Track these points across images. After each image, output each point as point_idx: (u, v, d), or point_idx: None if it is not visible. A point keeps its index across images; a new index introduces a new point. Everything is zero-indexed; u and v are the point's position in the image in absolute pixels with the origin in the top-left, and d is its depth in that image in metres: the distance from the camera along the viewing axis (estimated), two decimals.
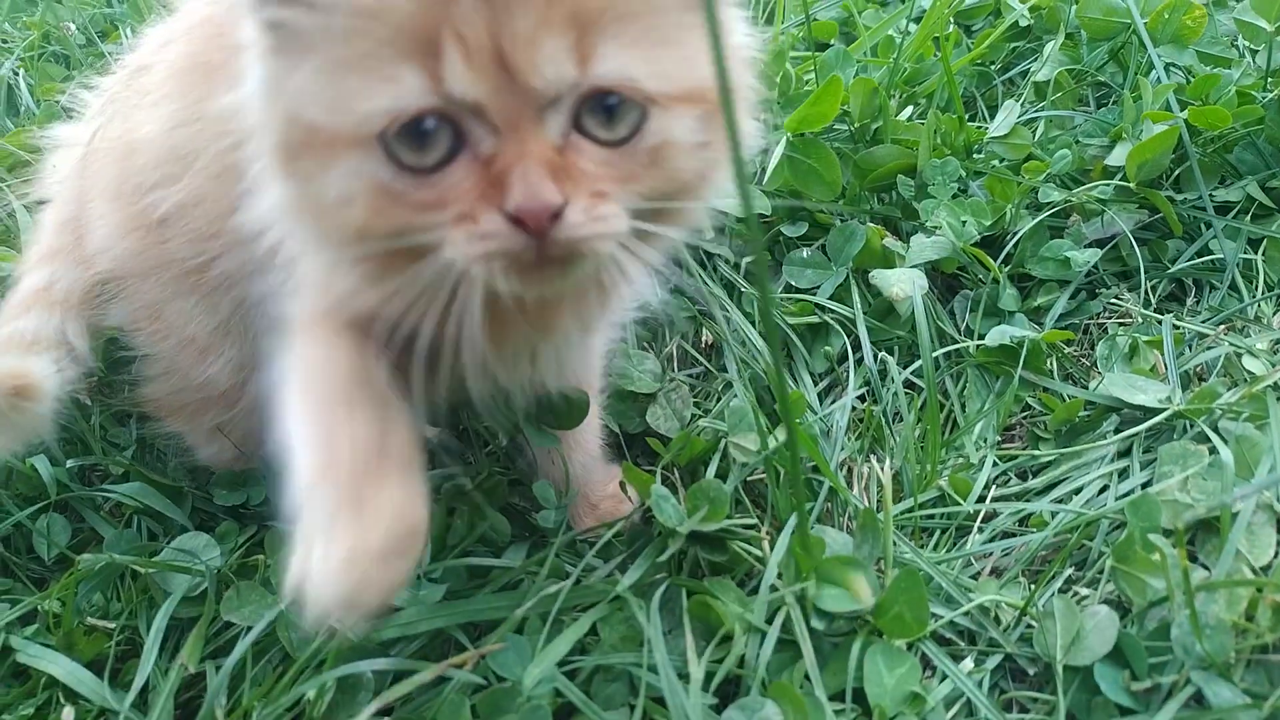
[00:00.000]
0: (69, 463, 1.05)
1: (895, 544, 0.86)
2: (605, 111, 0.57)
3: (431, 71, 0.54)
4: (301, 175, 0.60)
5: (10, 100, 1.80)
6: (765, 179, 1.16)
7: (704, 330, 1.12)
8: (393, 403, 0.68)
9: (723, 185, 0.67)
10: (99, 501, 1.04)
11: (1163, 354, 1.02)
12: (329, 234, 0.62)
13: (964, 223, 1.12)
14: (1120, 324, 1.10)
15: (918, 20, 1.44)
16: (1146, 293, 1.14)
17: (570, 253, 0.57)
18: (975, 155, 1.25)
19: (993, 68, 1.44)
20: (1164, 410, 0.93)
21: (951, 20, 1.44)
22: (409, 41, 0.54)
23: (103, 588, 0.96)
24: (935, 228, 1.12)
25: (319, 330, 0.71)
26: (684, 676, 0.77)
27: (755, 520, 0.92)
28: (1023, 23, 1.41)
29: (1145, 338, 1.04)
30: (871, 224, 1.14)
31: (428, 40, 0.54)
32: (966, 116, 1.31)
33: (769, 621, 0.81)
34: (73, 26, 1.81)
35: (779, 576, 0.84)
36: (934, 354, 1.04)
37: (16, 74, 1.84)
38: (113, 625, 0.91)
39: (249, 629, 0.84)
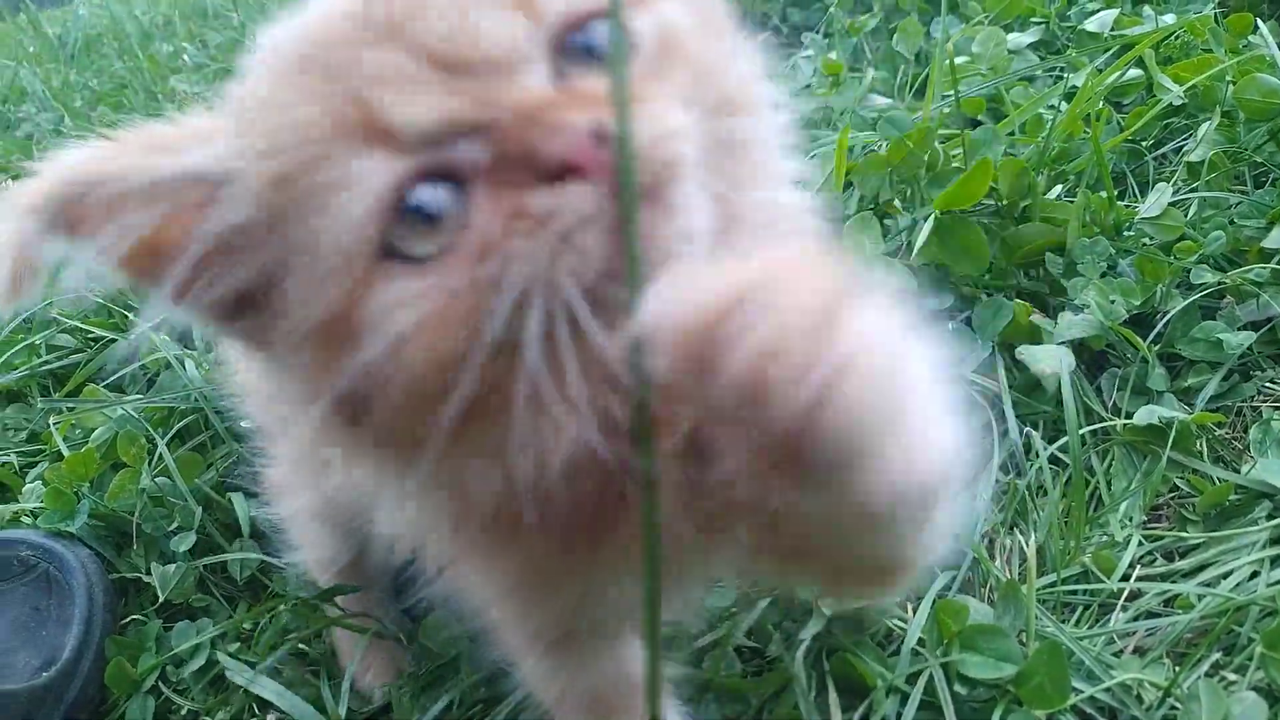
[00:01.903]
0: None
1: (1037, 617, 0.88)
2: (586, 51, 0.49)
3: (378, 136, 0.46)
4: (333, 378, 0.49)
5: None
6: (913, 254, 1.20)
7: None
8: None
9: (771, 100, 0.57)
10: None
11: None
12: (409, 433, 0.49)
13: (1112, 302, 1.13)
14: (1276, 408, 1.09)
15: (1068, 97, 1.47)
16: None
17: (649, 177, 0.45)
18: (1125, 234, 1.26)
19: (1144, 145, 1.45)
20: None
21: (1102, 98, 1.46)
22: (337, 135, 0.46)
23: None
24: (1083, 306, 1.14)
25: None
26: None
27: None
28: (1176, 102, 1.42)
29: None
30: (1018, 300, 1.17)
31: (353, 113, 0.46)
32: (1116, 194, 1.33)
33: (910, 684, 0.84)
34: None
35: (919, 643, 0.88)
36: (1081, 430, 1.05)
37: None
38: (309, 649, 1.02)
39: None
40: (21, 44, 4.84)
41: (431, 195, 0.46)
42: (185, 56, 2.92)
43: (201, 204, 0.49)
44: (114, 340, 1.46)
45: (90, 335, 1.51)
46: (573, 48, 0.49)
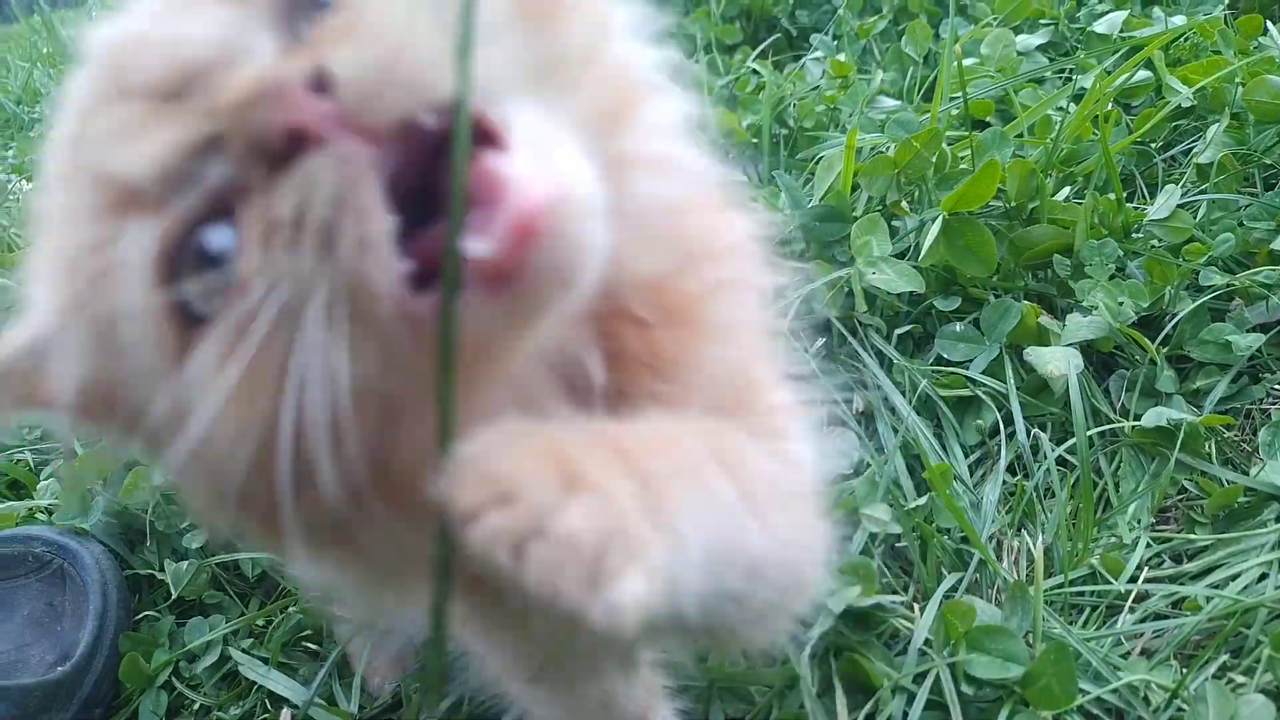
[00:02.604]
0: None
1: (1045, 618, 0.88)
2: (317, 3, 0.40)
3: (128, 203, 0.40)
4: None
5: None
6: (921, 255, 1.21)
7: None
8: None
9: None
10: None
11: None
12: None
13: (1121, 303, 1.13)
14: None
15: (1077, 99, 1.47)
16: None
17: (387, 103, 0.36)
18: (1134, 236, 1.26)
19: (1153, 146, 1.45)
20: None
21: (1111, 100, 1.46)
22: (100, 223, 0.40)
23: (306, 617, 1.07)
24: (1091, 307, 1.14)
25: None
26: None
27: (898, 589, 0.96)
28: (1185, 104, 1.42)
29: None
30: (1026, 301, 1.17)
31: (102, 193, 0.40)
32: (1125, 196, 1.33)
33: (916, 684, 0.85)
34: None
35: (926, 643, 0.88)
36: (1089, 432, 1.06)
37: None
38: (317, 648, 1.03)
39: None
40: (35, 45, 4.87)
41: (209, 239, 0.39)
42: None
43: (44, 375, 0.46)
44: None
45: None
46: (300, 5, 0.40)
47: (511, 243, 0.36)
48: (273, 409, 0.38)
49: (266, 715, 1.00)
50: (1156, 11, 1.74)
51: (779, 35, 2.18)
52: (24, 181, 2.53)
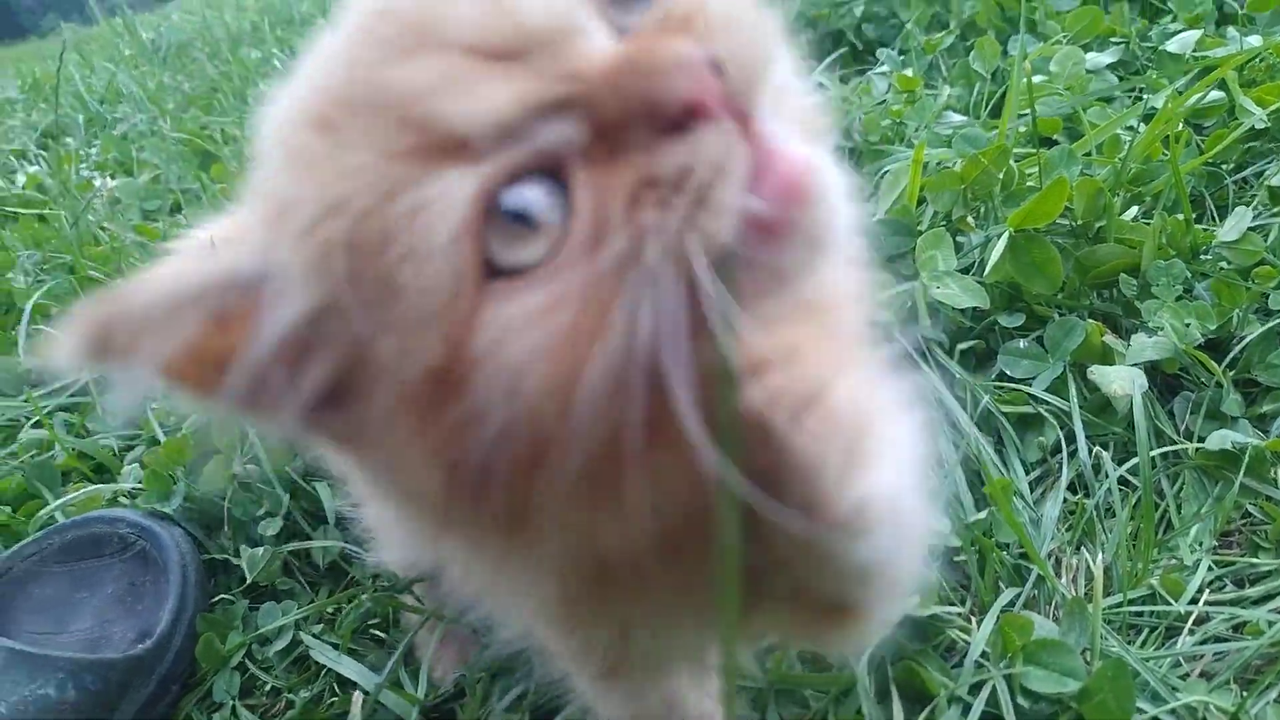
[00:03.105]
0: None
1: (1103, 636, 0.89)
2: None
3: (446, 151, 0.41)
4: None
5: None
6: (986, 271, 1.21)
7: None
8: None
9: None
10: None
11: None
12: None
13: (1187, 325, 1.13)
14: None
15: (1147, 119, 1.46)
16: None
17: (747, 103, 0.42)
18: (1202, 257, 1.26)
19: (1224, 168, 1.44)
20: None
21: (1182, 120, 1.45)
22: (396, 170, 0.41)
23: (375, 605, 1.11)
24: (1157, 328, 1.14)
25: None
26: None
27: (955, 601, 0.97)
28: (1259, 125, 1.40)
29: None
30: (1091, 320, 1.17)
31: (407, 139, 0.41)
32: (1194, 217, 1.32)
33: (972, 694, 0.86)
34: None
35: (983, 655, 0.89)
36: (1151, 453, 1.06)
37: None
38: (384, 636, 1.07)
39: None
40: (118, 47, 5.04)
41: (526, 195, 0.41)
42: (275, 61, 3.02)
43: (245, 308, 0.45)
44: None
45: None
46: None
47: (783, 201, 0.41)
48: (588, 359, 0.40)
49: (335, 699, 1.04)
50: (1231, 31, 1.73)
51: (845, 49, 2.19)
52: (108, 179, 2.64)
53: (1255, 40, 1.64)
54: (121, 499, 1.30)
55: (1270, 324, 1.14)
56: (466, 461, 0.43)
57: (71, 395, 1.53)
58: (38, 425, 1.47)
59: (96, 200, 2.26)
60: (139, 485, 1.29)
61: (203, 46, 4.44)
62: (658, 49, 0.40)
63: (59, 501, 1.28)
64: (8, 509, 1.31)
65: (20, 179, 2.87)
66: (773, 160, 0.41)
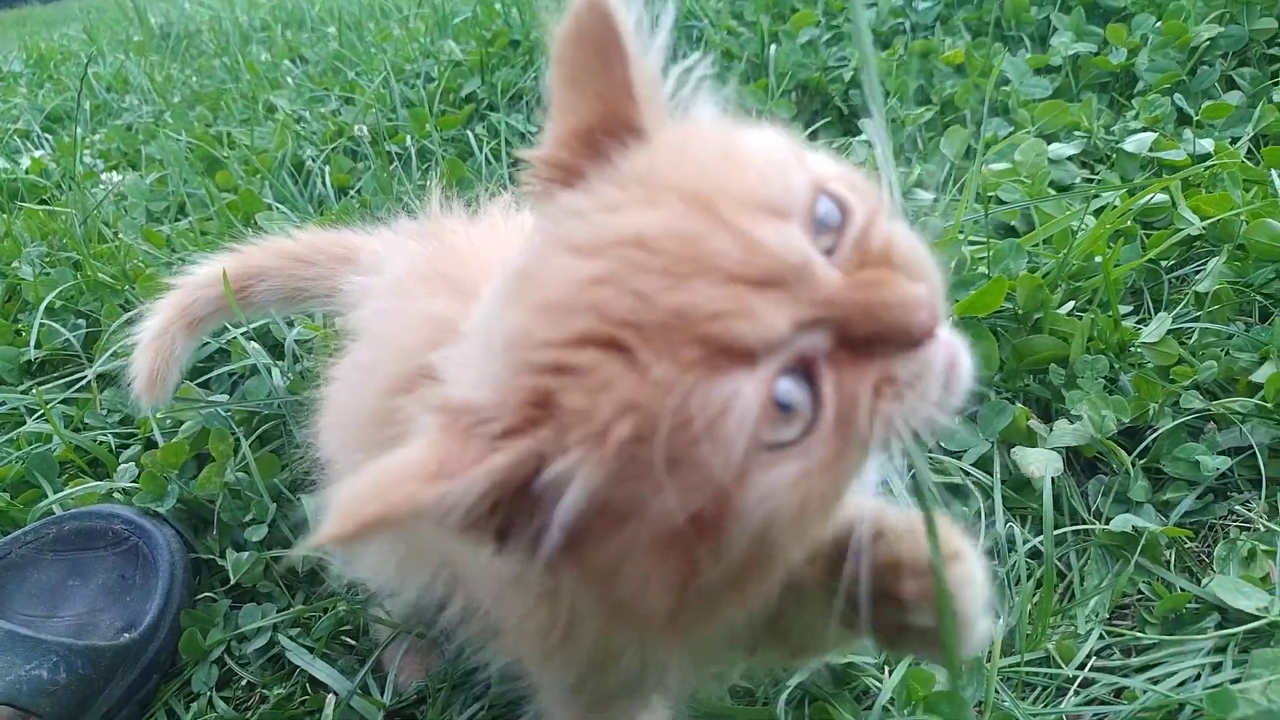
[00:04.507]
0: None
1: (997, 692, 1.00)
2: (818, 221, 0.56)
3: (735, 358, 0.51)
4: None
5: (308, 182, 2.17)
6: None
7: None
8: None
9: None
10: None
11: (1276, 565, 1.12)
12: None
13: (1104, 416, 1.25)
14: (1242, 528, 1.20)
15: (1098, 213, 1.58)
16: (1278, 504, 1.23)
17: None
18: (1133, 350, 1.38)
19: (1163, 265, 1.56)
20: (1261, 618, 1.04)
21: (1132, 218, 1.57)
22: (688, 374, 0.50)
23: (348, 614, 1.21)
24: (1078, 417, 1.25)
25: None
26: None
27: (873, 652, 1.08)
28: (1194, 233, 1.53)
29: (1265, 547, 1.14)
30: (1022, 404, 1.29)
31: (697, 351, 0.50)
32: (1132, 309, 1.44)
33: None
34: (365, 129, 2.18)
35: (890, 702, 1.00)
36: (1061, 530, 1.17)
37: (314, 160, 2.22)
38: (355, 643, 1.16)
39: None
40: (128, 33, 5.11)
41: (790, 389, 0.52)
42: (290, 78, 3.10)
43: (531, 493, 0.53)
44: (207, 342, 1.62)
45: None
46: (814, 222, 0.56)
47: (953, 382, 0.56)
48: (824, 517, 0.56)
49: (306, 697, 1.14)
50: (1187, 133, 1.86)
51: (833, 115, 2.31)
52: (114, 173, 2.71)
53: (1208, 144, 1.77)
54: (117, 495, 1.39)
55: (1179, 420, 1.26)
56: (696, 583, 0.54)
57: (75, 390, 1.61)
58: (39, 417, 1.55)
59: (102, 193, 2.34)
60: (134, 484, 1.38)
61: (212, 39, 4.51)
62: (901, 289, 0.53)
63: (58, 495, 1.37)
64: (6, 495, 1.40)
65: (25, 161, 2.94)
66: (949, 353, 0.56)
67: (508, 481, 0.51)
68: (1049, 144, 1.85)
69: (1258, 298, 1.44)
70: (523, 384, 0.52)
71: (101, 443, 1.51)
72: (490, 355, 0.55)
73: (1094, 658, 1.07)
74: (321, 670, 1.13)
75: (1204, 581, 1.12)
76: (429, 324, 0.77)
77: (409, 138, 2.20)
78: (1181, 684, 1.02)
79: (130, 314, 1.58)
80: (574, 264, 0.54)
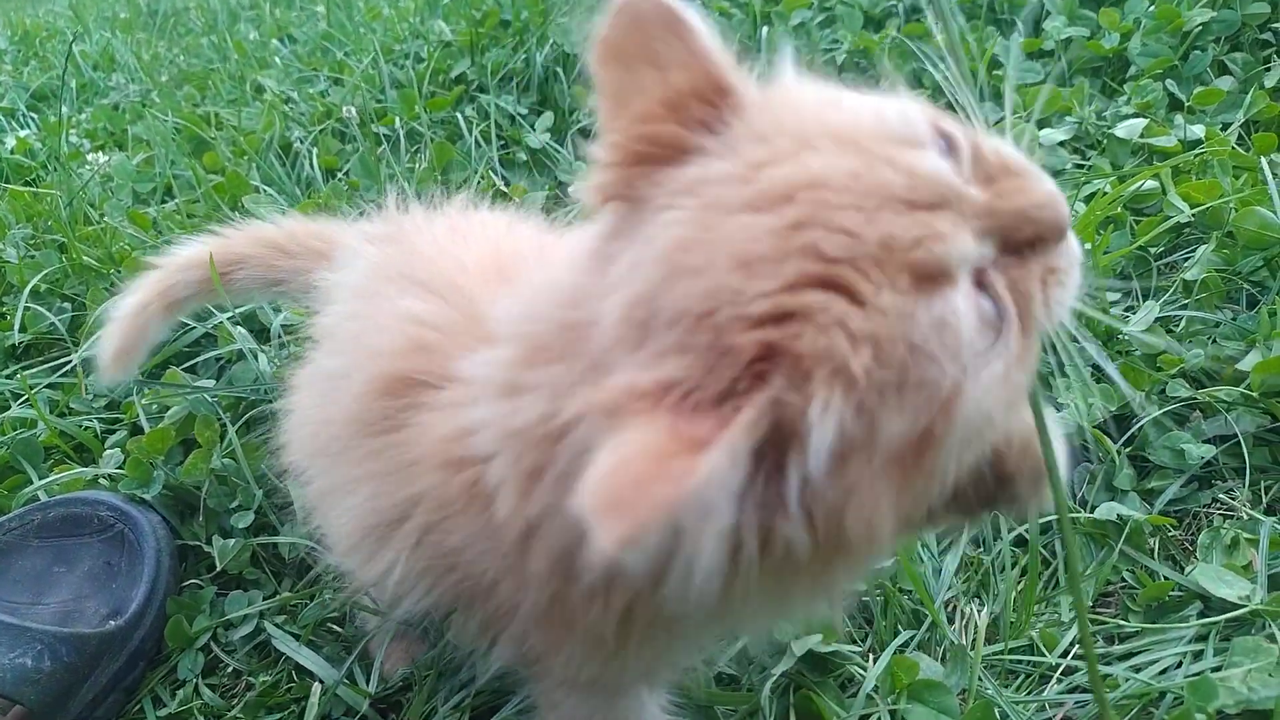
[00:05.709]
0: None
1: (981, 680, 1.01)
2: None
3: (934, 278, 0.53)
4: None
5: (295, 164, 2.16)
6: None
7: None
8: None
9: None
10: None
11: (1258, 553, 1.12)
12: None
13: (1090, 404, 1.25)
14: (1226, 517, 1.21)
15: (1089, 200, 1.58)
16: (1261, 492, 1.23)
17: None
18: (1119, 338, 1.38)
19: (1153, 252, 1.56)
20: (1243, 607, 1.04)
21: (1122, 204, 1.57)
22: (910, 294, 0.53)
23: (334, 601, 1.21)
24: (1065, 405, 1.26)
25: None
26: None
27: (858, 640, 1.09)
28: (1183, 220, 1.53)
29: (1247, 535, 1.15)
30: None
31: (911, 274, 0.52)
32: (1122, 295, 1.44)
33: None
34: (353, 110, 2.16)
35: (875, 690, 1.01)
36: (1046, 518, 1.17)
37: (302, 142, 2.20)
38: (340, 630, 1.16)
39: None
40: (114, 10, 5.05)
41: (981, 297, 0.55)
42: (278, 58, 3.07)
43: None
44: (193, 327, 1.61)
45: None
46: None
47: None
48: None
49: (292, 685, 1.14)
50: (1179, 118, 1.85)
51: None
52: (100, 154, 2.68)
53: (1199, 130, 1.77)
54: (102, 481, 1.39)
55: (1165, 409, 1.26)
56: (913, 499, 0.56)
57: (61, 375, 1.60)
58: (23, 402, 1.55)
59: (88, 174, 2.32)
60: (120, 470, 1.37)
61: (200, 17, 4.46)
62: (1040, 190, 0.58)
63: (43, 481, 1.37)
64: None
65: (10, 141, 2.91)
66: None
67: (760, 438, 0.49)
68: (1040, 129, 1.84)
69: (1245, 285, 1.45)
70: (740, 341, 0.50)
71: (87, 428, 1.50)
72: (656, 331, 0.52)
73: (1077, 645, 1.07)
74: (308, 658, 1.13)
75: (1187, 570, 1.13)
76: (408, 324, 0.76)
77: (398, 119, 2.18)
78: (1163, 672, 1.03)
79: (115, 298, 1.57)
80: (759, 219, 0.53)
